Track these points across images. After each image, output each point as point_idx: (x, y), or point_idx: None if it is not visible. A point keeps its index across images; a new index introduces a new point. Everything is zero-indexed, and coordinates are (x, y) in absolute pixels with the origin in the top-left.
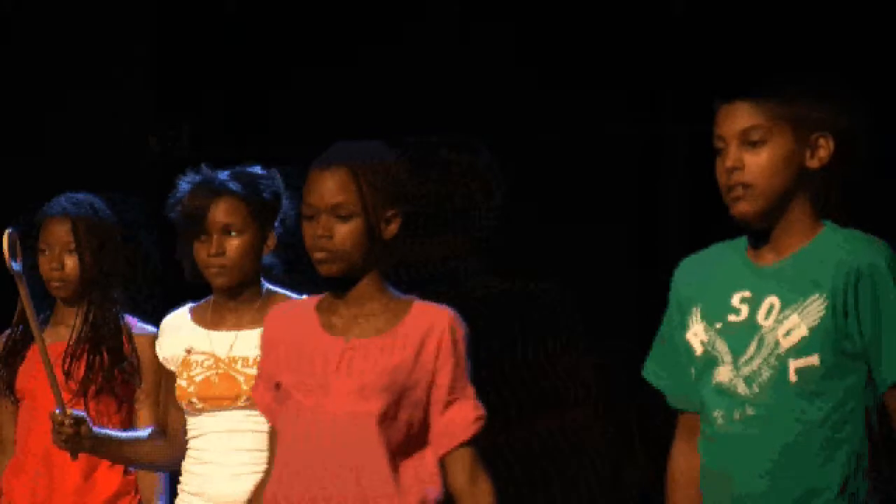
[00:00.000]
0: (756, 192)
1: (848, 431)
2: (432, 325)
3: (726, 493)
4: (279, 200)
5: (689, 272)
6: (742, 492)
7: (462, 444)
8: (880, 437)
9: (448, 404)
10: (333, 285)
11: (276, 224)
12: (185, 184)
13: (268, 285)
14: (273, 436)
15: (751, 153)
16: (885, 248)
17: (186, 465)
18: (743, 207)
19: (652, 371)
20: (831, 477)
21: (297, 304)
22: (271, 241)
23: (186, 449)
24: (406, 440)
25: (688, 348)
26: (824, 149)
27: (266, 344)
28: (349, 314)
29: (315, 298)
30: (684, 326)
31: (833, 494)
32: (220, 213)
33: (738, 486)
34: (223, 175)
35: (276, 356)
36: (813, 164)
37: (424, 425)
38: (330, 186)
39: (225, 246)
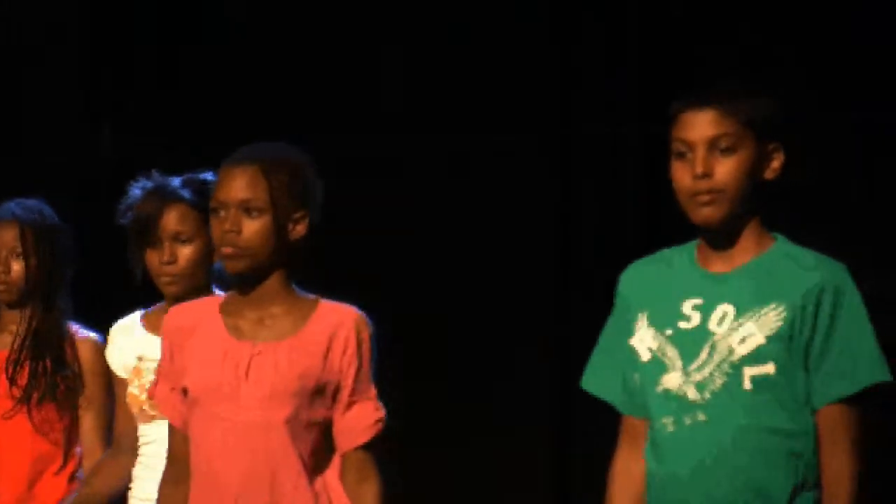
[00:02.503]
0: (725, 198)
1: (800, 441)
2: (338, 325)
3: (674, 499)
4: None
5: (636, 277)
6: (689, 498)
7: (360, 447)
8: None
9: (349, 405)
10: (242, 284)
11: None
12: (136, 190)
13: (218, 291)
14: (173, 436)
15: (720, 160)
16: (844, 268)
17: (136, 472)
18: (709, 212)
19: (592, 380)
20: (781, 486)
21: (200, 305)
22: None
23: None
24: (322, 443)
25: (633, 353)
26: (778, 161)
27: (169, 345)
28: (255, 317)
29: (218, 298)
30: (630, 332)
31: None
32: (172, 220)
33: (685, 491)
34: (175, 182)
35: (181, 359)
36: (768, 174)
37: (331, 430)
38: (240, 183)
39: (177, 254)
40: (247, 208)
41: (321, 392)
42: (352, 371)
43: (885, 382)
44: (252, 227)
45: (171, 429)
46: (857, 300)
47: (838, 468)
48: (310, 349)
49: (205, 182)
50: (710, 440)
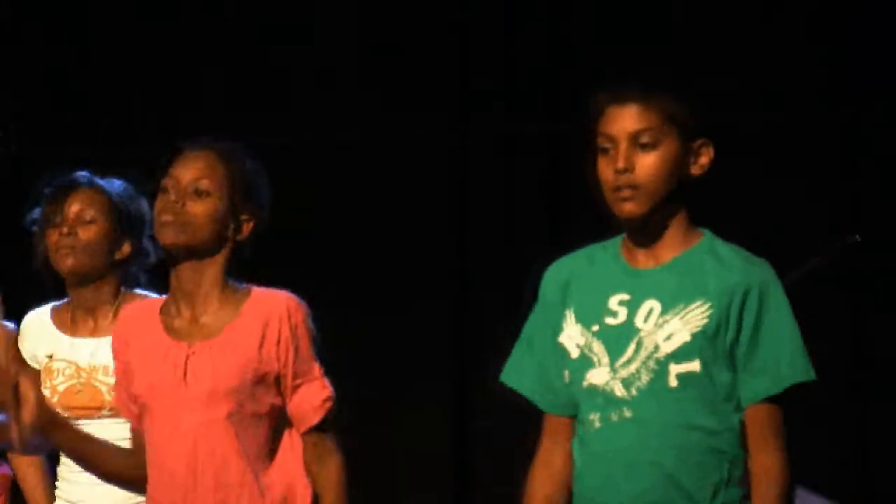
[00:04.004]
0: (644, 194)
1: (725, 438)
2: (269, 313)
3: (601, 495)
4: (142, 218)
5: (560, 274)
6: (616, 494)
7: (313, 427)
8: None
9: (295, 389)
10: (173, 261)
11: (132, 231)
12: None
13: (129, 290)
14: (132, 434)
15: (641, 155)
16: (769, 267)
17: (61, 472)
18: (630, 207)
19: (513, 376)
20: (704, 483)
21: (145, 305)
22: (126, 248)
23: None
24: (272, 433)
25: (562, 351)
26: (706, 156)
27: (116, 346)
28: (189, 316)
29: (160, 300)
30: (557, 329)
31: (706, 501)
32: (76, 201)
33: (613, 488)
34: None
35: (126, 361)
36: (695, 170)
37: (284, 415)
38: (196, 164)
39: (77, 231)
40: (197, 189)
41: (262, 382)
42: (290, 356)
43: (809, 382)
44: (198, 207)
45: (131, 428)
46: (783, 299)
47: (767, 465)
48: (244, 343)
49: (121, 182)
50: (636, 436)
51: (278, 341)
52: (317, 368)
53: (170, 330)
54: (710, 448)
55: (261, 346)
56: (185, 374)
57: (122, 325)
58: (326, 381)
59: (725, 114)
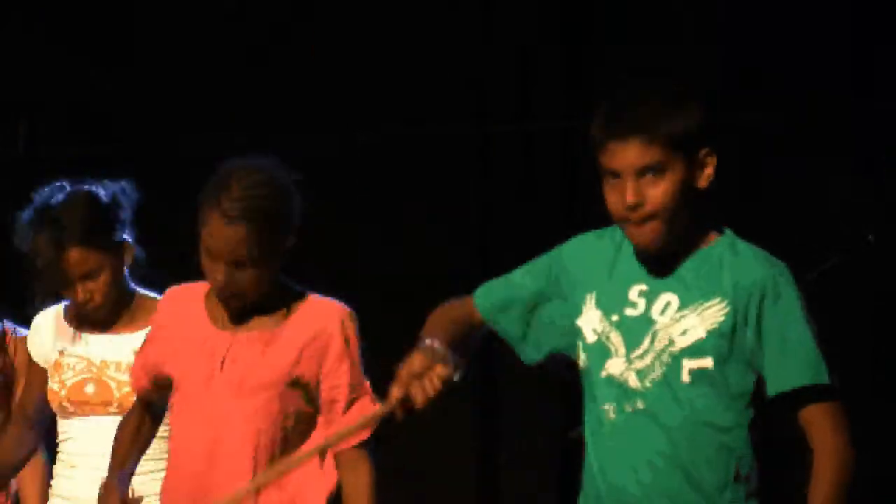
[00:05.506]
0: (658, 223)
1: (735, 435)
2: (323, 321)
3: (611, 486)
4: (121, 210)
5: (584, 253)
6: (627, 485)
7: (362, 442)
8: (761, 444)
9: (350, 403)
10: None
11: (127, 233)
12: (26, 227)
13: (138, 289)
14: (132, 408)
15: (650, 185)
16: (787, 269)
17: (57, 469)
18: (646, 239)
19: (482, 291)
20: (713, 479)
21: (190, 291)
22: (129, 254)
23: (38, 431)
24: (291, 435)
25: (578, 333)
26: (710, 166)
27: (156, 327)
28: (239, 309)
29: (205, 286)
30: (576, 312)
31: (711, 494)
32: (74, 263)
33: (626, 477)
34: (61, 215)
35: (162, 344)
36: (702, 182)
37: (311, 421)
38: (231, 242)
39: (90, 290)
40: (237, 262)
41: (296, 385)
42: (344, 369)
43: (823, 385)
44: (245, 277)
45: (134, 401)
46: (799, 301)
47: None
48: (289, 343)
49: (90, 207)
50: (648, 429)
51: (327, 348)
52: (367, 383)
53: (214, 318)
54: (720, 444)
55: (305, 349)
56: (223, 361)
57: (166, 304)
58: (375, 397)
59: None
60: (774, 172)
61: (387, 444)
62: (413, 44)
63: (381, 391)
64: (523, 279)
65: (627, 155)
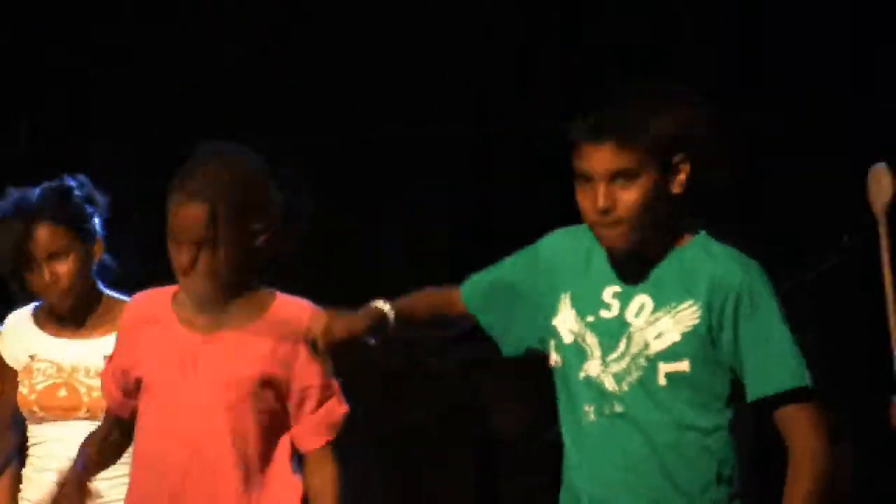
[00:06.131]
0: (629, 227)
1: (715, 438)
2: (293, 321)
3: (593, 487)
4: (94, 205)
5: (561, 250)
6: (608, 487)
7: (328, 442)
8: (743, 446)
9: (320, 403)
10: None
11: (98, 229)
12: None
13: (107, 291)
14: (104, 418)
15: (622, 190)
16: (761, 268)
17: (26, 472)
18: (616, 243)
19: (468, 285)
20: (694, 481)
21: (157, 294)
22: (98, 250)
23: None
24: (262, 436)
25: (554, 333)
26: (684, 172)
27: (122, 332)
28: (209, 310)
29: (172, 289)
30: (552, 311)
31: (694, 496)
32: (42, 240)
33: (604, 481)
34: (33, 196)
35: (130, 349)
36: (676, 189)
37: (281, 421)
38: (193, 221)
39: (56, 272)
40: (197, 242)
41: (269, 385)
42: (315, 369)
43: (803, 387)
44: (206, 259)
45: (106, 410)
46: (774, 301)
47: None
48: (261, 342)
49: (64, 192)
50: (627, 432)
51: (298, 353)
52: (335, 383)
53: (184, 320)
54: (701, 447)
55: (276, 349)
56: (196, 362)
57: (133, 308)
58: (342, 398)
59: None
60: (774, 172)
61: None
62: (413, 43)
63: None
64: (509, 274)
65: (601, 158)
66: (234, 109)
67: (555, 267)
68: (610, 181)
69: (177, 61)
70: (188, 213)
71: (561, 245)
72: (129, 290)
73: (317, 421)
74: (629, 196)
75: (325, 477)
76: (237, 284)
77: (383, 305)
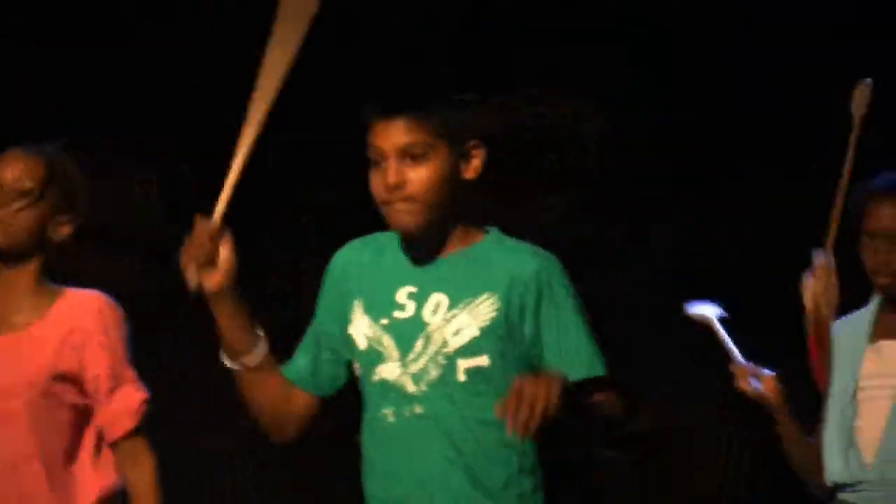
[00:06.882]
0: (419, 207)
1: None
2: (80, 313)
3: (395, 490)
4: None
5: (351, 261)
6: (411, 489)
7: (129, 431)
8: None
9: (110, 392)
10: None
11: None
12: None
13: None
14: None
15: (412, 168)
16: (558, 262)
17: None
18: (405, 220)
19: (291, 364)
20: (496, 476)
21: None
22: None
23: None
24: (66, 434)
25: (350, 342)
26: (478, 158)
27: None
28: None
29: None
30: (346, 319)
31: (497, 492)
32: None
33: (406, 482)
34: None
35: None
36: (468, 174)
37: (86, 415)
38: (18, 169)
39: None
40: (21, 190)
41: (62, 380)
42: (103, 358)
43: (600, 377)
44: (22, 214)
45: None
46: (572, 293)
47: None
48: (47, 339)
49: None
50: (428, 432)
51: (87, 339)
52: (130, 372)
53: None
54: (502, 441)
55: (64, 343)
56: None
57: None
58: (141, 385)
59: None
60: (768, 173)
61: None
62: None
63: None
64: (320, 325)
65: (392, 133)
66: (233, 109)
67: (346, 279)
68: (401, 158)
69: (175, 60)
70: (15, 158)
71: (348, 257)
72: None
73: (113, 408)
74: (420, 174)
75: (138, 468)
76: (26, 253)
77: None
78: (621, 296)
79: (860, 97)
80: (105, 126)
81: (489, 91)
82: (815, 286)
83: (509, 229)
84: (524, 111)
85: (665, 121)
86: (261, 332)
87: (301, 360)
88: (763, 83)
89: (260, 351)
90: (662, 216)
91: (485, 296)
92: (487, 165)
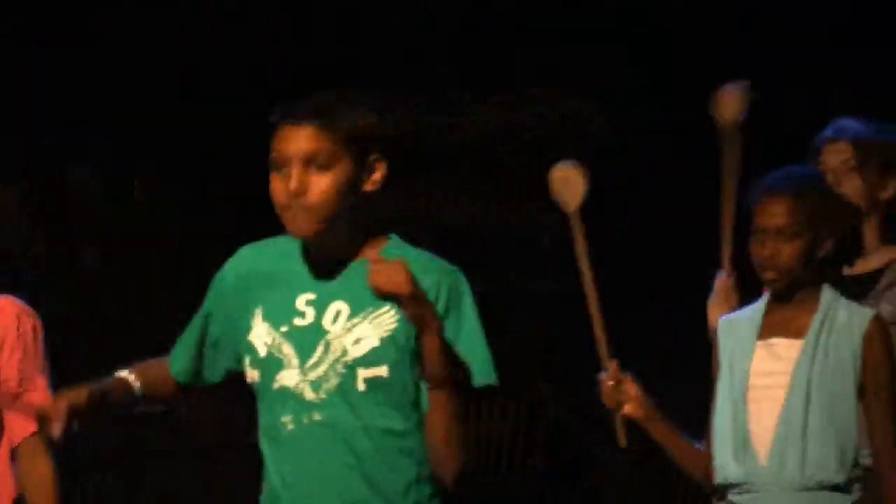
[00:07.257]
0: (316, 216)
1: (411, 440)
2: None
3: (295, 499)
4: None
5: (249, 273)
6: (310, 498)
7: (33, 434)
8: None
9: (17, 396)
10: None
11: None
12: None
13: None
14: None
15: (315, 177)
16: (460, 272)
17: None
18: (303, 227)
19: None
20: (396, 483)
21: None
22: None
23: None
24: None
25: (250, 348)
26: (379, 171)
27: None
28: None
29: None
30: (245, 327)
31: (396, 499)
32: None
33: (306, 492)
34: None
35: None
36: (368, 186)
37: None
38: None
39: None
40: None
41: None
42: (13, 363)
43: (493, 386)
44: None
45: None
46: (472, 303)
47: None
48: None
49: None
50: (327, 440)
51: (2, 344)
52: (42, 380)
53: None
54: (398, 450)
55: None
56: None
57: None
58: (50, 393)
59: None
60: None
61: None
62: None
63: None
64: (202, 321)
65: (298, 139)
66: (232, 108)
67: (245, 289)
68: (305, 166)
69: (173, 60)
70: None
71: (245, 266)
72: None
73: (17, 410)
74: (321, 183)
75: (40, 470)
76: None
77: (127, 375)
78: (621, 295)
79: (731, 100)
80: None
81: (489, 91)
82: (718, 307)
83: (509, 229)
84: (524, 111)
85: (665, 121)
86: (122, 374)
87: (183, 360)
88: (763, 83)
89: (136, 385)
90: (662, 216)
91: (386, 307)
92: (389, 178)
